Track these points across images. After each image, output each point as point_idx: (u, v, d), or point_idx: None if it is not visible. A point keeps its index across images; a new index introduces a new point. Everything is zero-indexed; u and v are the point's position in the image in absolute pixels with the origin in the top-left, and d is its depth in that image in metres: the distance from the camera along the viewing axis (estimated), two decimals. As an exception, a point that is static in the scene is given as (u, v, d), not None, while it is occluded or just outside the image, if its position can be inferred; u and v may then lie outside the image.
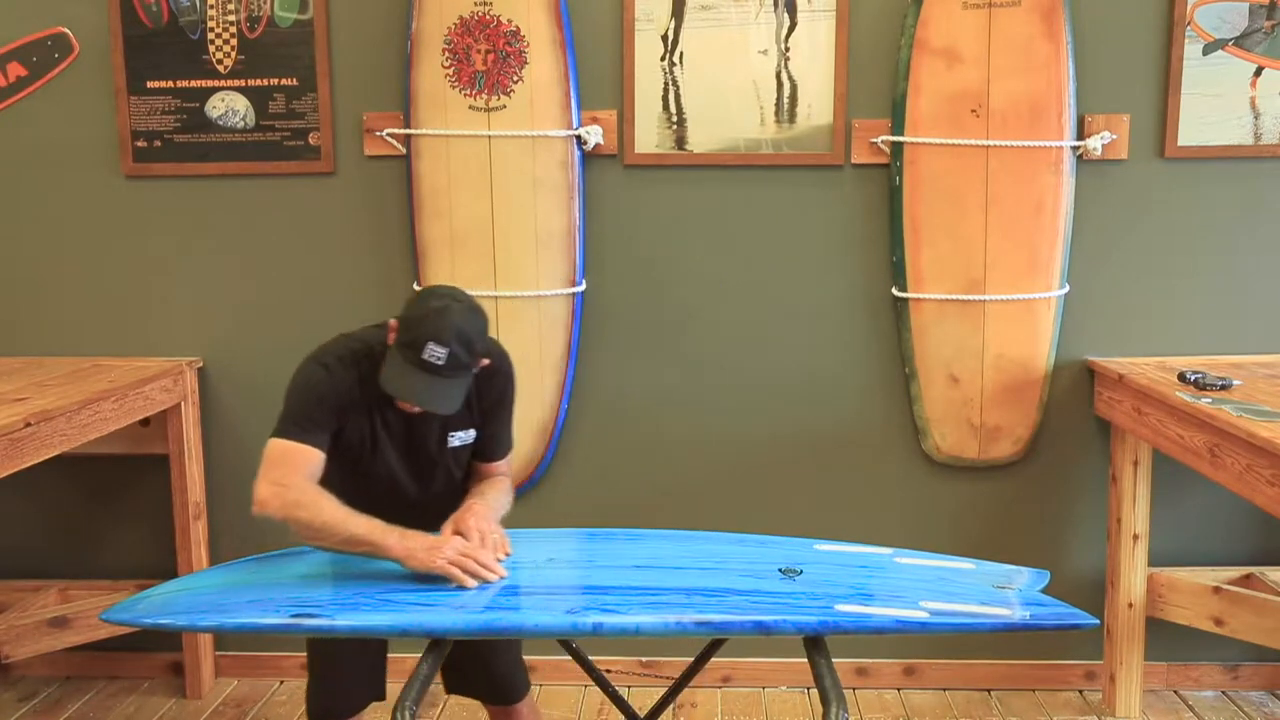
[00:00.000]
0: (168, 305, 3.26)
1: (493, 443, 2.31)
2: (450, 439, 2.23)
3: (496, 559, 2.02)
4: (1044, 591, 2.00)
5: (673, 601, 1.87)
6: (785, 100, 3.11)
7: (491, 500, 2.21)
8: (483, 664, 2.35)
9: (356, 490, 2.13)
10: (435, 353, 2.00)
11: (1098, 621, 1.88)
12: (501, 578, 1.97)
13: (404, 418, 2.17)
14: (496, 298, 3.14)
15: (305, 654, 2.32)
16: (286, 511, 2.00)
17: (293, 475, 2.04)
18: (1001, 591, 1.98)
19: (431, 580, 1.96)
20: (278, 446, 2.07)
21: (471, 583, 1.95)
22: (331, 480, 2.11)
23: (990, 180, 3.05)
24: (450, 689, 2.42)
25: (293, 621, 1.82)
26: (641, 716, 2.34)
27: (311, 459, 2.07)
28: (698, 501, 3.27)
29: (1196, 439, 2.59)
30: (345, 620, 1.82)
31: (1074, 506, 3.25)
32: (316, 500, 2.02)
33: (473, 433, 2.26)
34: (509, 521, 2.22)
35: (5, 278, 3.29)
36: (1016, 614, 1.88)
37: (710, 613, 1.82)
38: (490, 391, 2.24)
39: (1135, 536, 3.10)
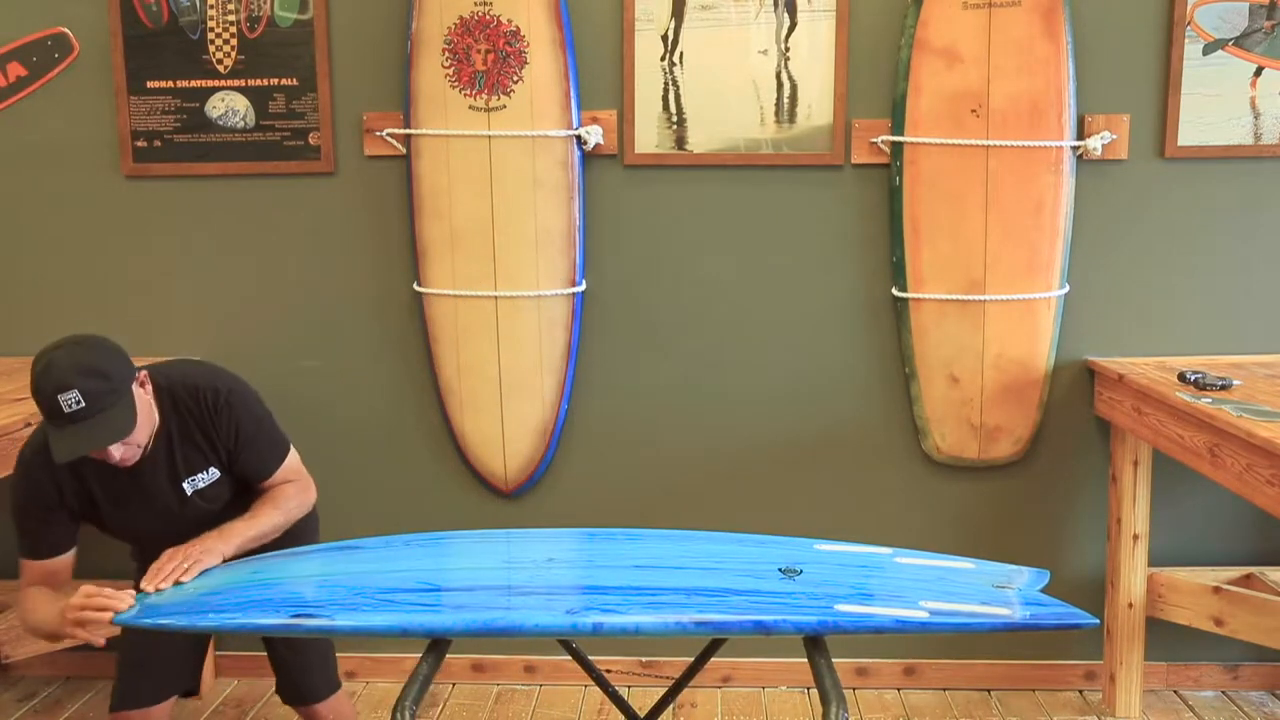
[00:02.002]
0: (168, 305, 3.26)
1: (255, 466, 2.25)
2: (187, 485, 2.19)
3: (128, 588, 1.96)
4: (1044, 591, 2.00)
5: (672, 601, 1.86)
6: (785, 100, 3.11)
7: (254, 526, 2.15)
8: (281, 665, 2.41)
9: (146, 548, 2.18)
10: (69, 399, 1.94)
11: (1098, 621, 1.88)
12: (115, 610, 1.89)
13: (124, 481, 2.13)
14: (496, 298, 3.14)
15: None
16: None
17: (22, 589, 2.13)
18: (1001, 591, 1.98)
19: (431, 580, 1.96)
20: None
21: (91, 638, 1.92)
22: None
23: (990, 180, 3.05)
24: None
25: (293, 622, 1.81)
26: (641, 716, 2.34)
27: (36, 569, 2.13)
28: (697, 501, 3.27)
29: (1196, 439, 2.59)
30: (345, 620, 1.82)
31: (1074, 506, 3.25)
32: (23, 605, 2.10)
33: (215, 471, 2.20)
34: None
35: (5, 278, 3.29)
36: (1017, 614, 1.88)
37: (710, 613, 1.82)
38: (218, 423, 2.19)
39: (1135, 536, 3.10)
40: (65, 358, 1.99)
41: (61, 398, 1.94)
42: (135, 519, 2.20)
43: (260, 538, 2.18)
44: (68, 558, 2.17)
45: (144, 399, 2.09)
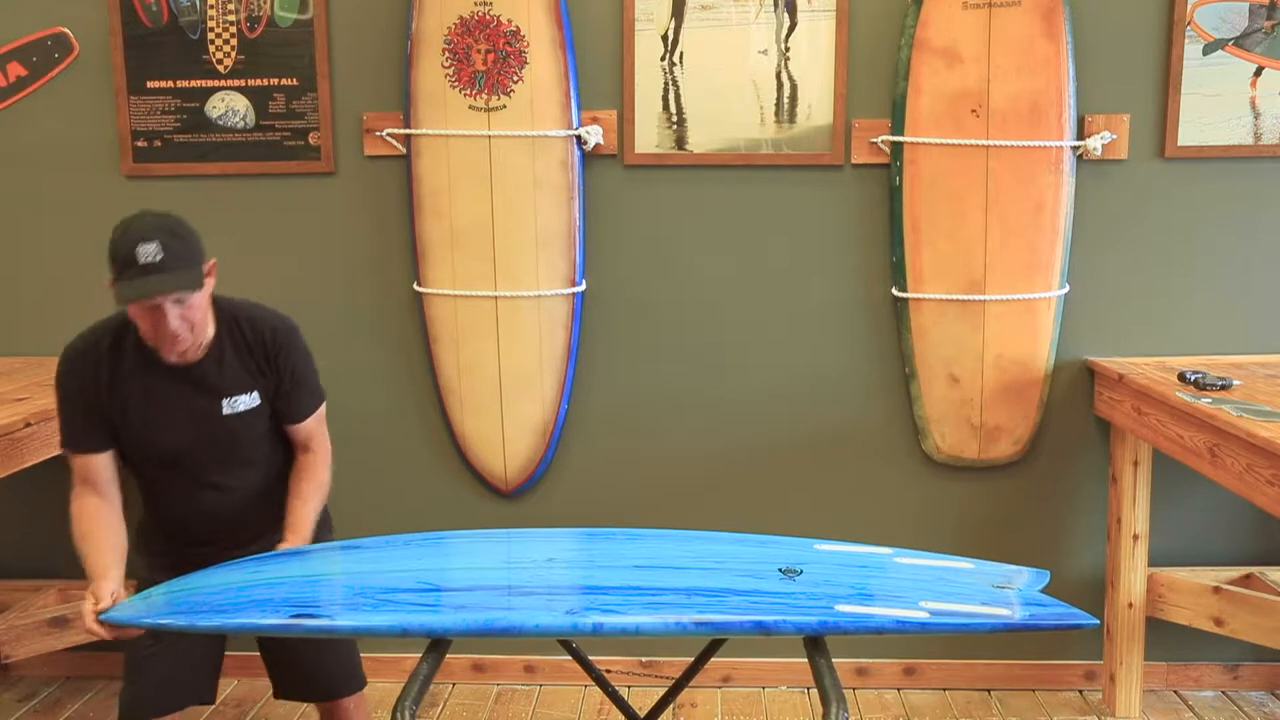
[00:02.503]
0: (168, 305, 3.26)
1: (295, 406, 2.29)
2: (226, 404, 2.21)
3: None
4: (1044, 591, 2.00)
5: (673, 601, 1.86)
6: (785, 100, 3.11)
7: (312, 509, 2.24)
8: (303, 662, 2.38)
9: (166, 488, 2.21)
10: (149, 250, 2.01)
11: (1098, 622, 1.88)
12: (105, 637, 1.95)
13: (165, 382, 2.17)
14: (496, 298, 3.14)
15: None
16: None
17: (78, 485, 2.17)
18: (1001, 591, 1.98)
19: (431, 581, 1.96)
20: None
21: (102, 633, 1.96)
22: (145, 486, 2.23)
23: (990, 180, 3.05)
24: (279, 694, 2.44)
25: (293, 621, 1.81)
26: (641, 716, 2.33)
27: (83, 466, 2.17)
28: (697, 501, 3.27)
29: (1196, 439, 2.59)
30: (346, 620, 1.82)
31: (1074, 506, 3.25)
32: (73, 519, 2.14)
33: (256, 396, 2.24)
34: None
35: (5, 278, 3.29)
36: (1016, 614, 1.87)
37: (710, 613, 1.82)
38: (273, 355, 2.25)
39: (1135, 536, 3.10)
40: (149, 218, 2.08)
41: (141, 248, 2.00)
42: (165, 429, 2.19)
43: (315, 516, 2.26)
44: (104, 459, 2.18)
45: (208, 291, 2.15)
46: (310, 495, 2.27)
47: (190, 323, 2.09)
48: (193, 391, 2.19)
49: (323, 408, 2.36)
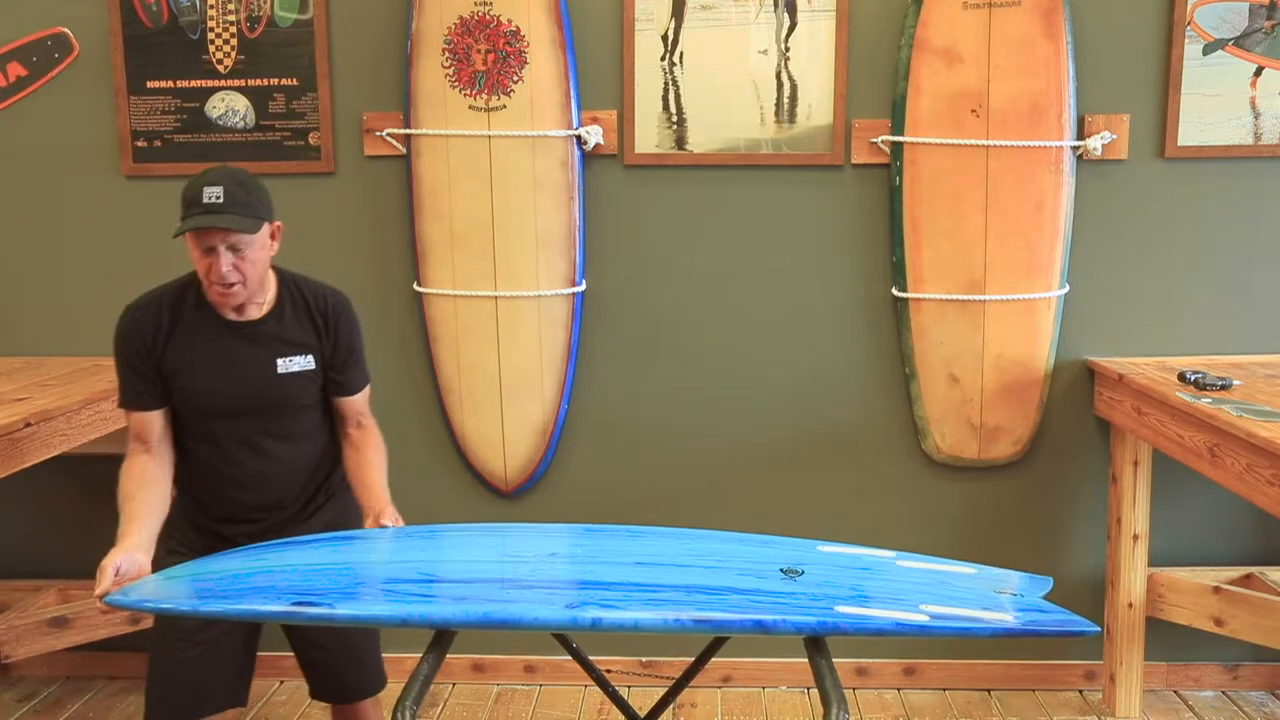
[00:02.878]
0: (168, 305, 3.26)
1: (347, 379, 2.35)
2: (281, 363, 2.26)
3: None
4: (1045, 596, 2.00)
5: (673, 599, 1.86)
6: (785, 100, 3.11)
7: (385, 477, 2.33)
8: (329, 663, 2.39)
9: (212, 454, 2.25)
10: (213, 192, 2.11)
11: (1099, 629, 1.88)
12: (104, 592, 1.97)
13: (221, 336, 2.23)
14: (496, 298, 3.14)
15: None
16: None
17: (132, 443, 2.25)
18: (1002, 597, 1.98)
19: (431, 572, 1.96)
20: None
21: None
22: (190, 456, 2.28)
23: (990, 180, 3.05)
24: (311, 694, 2.45)
25: (294, 609, 1.81)
26: (641, 716, 2.33)
27: (136, 423, 2.24)
28: (697, 501, 3.27)
29: (1196, 439, 2.59)
30: (346, 609, 1.81)
31: (1074, 507, 3.25)
32: (121, 476, 2.21)
33: (310, 360, 2.29)
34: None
35: (5, 278, 3.29)
36: (1016, 620, 1.87)
37: (710, 611, 1.82)
38: (331, 326, 2.32)
39: (1135, 536, 3.10)
40: (223, 169, 2.19)
41: (207, 190, 2.11)
42: (220, 382, 2.23)
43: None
44: (156, 416, 2.25)
45: (267, 248, 2.22)
46: (380, 464, 2.34)
47: (243, 273, 2.16)
48: (249, 347, 2.25)
49: (369, 388, 2.42)
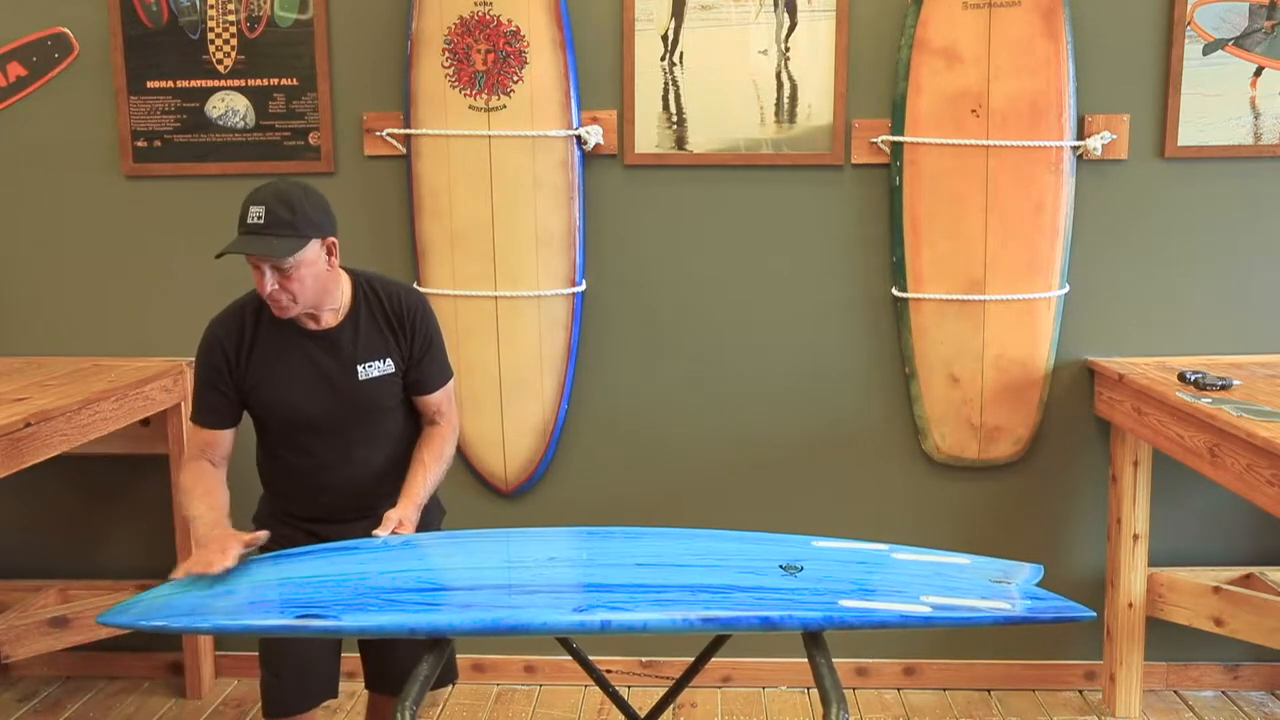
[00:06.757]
0: (167, 305, 3.26)
1: (427, 377, 2.35)
2: (361, 369, 2.26)
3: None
4: (1041, 586, 2.01)
5: (678, 599, 1.86)
6: (785, 100, 3.11)
7: (430, 479, 2.30)
8: (380, 658, 2.40)
9: (299, 461, 2.26)
10: (256, 212, 2.12)
11: (1094, 614, 1.89)
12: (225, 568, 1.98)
13: (300, 345, 2.24)
14: (496, 298, 3.14)
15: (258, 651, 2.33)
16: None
17: (189, 455, 2.30)
18: (999, 586, 1.99)
19: (434, 580, 1.96)
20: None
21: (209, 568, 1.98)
22: (274, 462, 2.31)
23: (990, 180, 3.06)
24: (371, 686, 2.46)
25: (299, 623, 1.80)
26: (641, 716, 2.33)
27: (204, 438, 2.28)
28: (697, 501, 3.27)
29: (1196, 439, 2.60)
30: (351, 621, 1.80)
31: (1074, 506, 3.26)
32: (181, 482, 2.25)
33: (390, 363, 2.29)
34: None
35: (5, 278, 3.29)
36: (1016, 607, 1.88)
37: (716, 609, 1.82)
38: (408, 326, 2.31)
39: (1135, 536, 3.10)
40: (275, 184, 2.18)
41: (251, 209, 2.13)
42: (302, 393, 2.24)
43: (433, 487, 2.32)
44: (225, 435, 2.29)
45: (322, 262, 2.18)
46: (430, 464, 2.32)
47: (290, 291, 2.15)
48: (329, 357, 2.25)
49: (452, 383, 2.42)
